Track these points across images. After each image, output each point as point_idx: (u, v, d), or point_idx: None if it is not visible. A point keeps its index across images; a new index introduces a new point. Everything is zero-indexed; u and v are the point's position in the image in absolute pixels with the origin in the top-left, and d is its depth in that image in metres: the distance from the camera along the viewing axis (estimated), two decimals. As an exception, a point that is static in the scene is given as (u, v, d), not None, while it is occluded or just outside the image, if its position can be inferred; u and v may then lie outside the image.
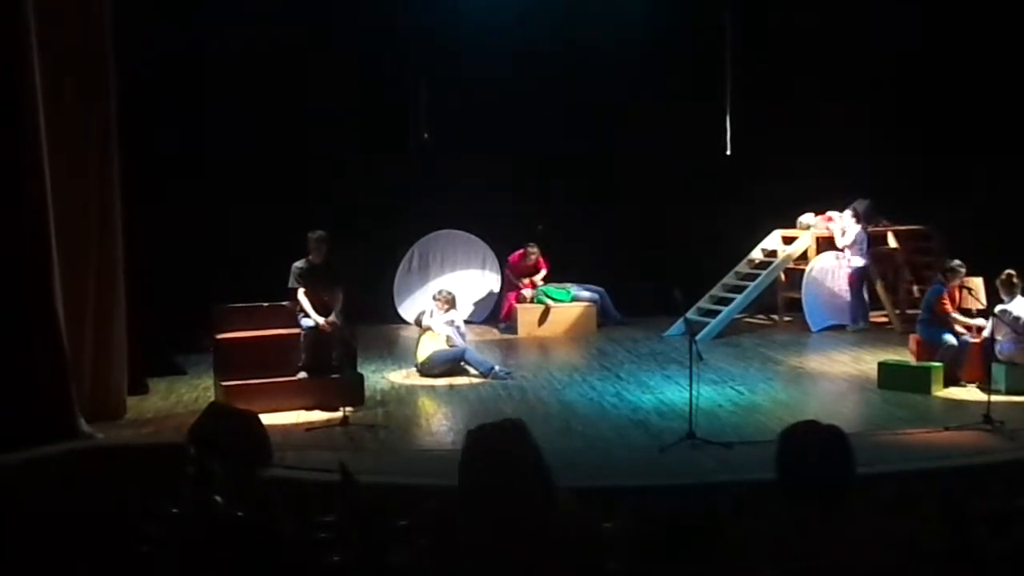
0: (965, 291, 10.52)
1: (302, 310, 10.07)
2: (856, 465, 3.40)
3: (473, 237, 15.19)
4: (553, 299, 14.34)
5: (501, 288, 15.07)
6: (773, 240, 14.84)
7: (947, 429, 8.64)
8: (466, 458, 3.32)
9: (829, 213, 14.48)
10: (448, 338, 11.49)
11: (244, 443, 4.04)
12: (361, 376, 10.32)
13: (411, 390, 10.82)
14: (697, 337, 9.45)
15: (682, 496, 6.97)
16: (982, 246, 11.83)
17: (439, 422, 9.76)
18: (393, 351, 12.89)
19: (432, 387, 10.94)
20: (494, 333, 14.39)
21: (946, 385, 10.17)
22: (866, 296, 14.11)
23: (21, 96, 8.16)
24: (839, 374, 11.28)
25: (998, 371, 9.74)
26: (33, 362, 8.24)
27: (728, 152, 14.85)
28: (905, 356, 11.09)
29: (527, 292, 14.32)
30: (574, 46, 14.61)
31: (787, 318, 14.56)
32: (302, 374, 9.94)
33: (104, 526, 4.52)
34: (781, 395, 10.29)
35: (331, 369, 9.85)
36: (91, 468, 7.78)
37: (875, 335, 13.53)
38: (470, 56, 14.31)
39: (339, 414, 9.19)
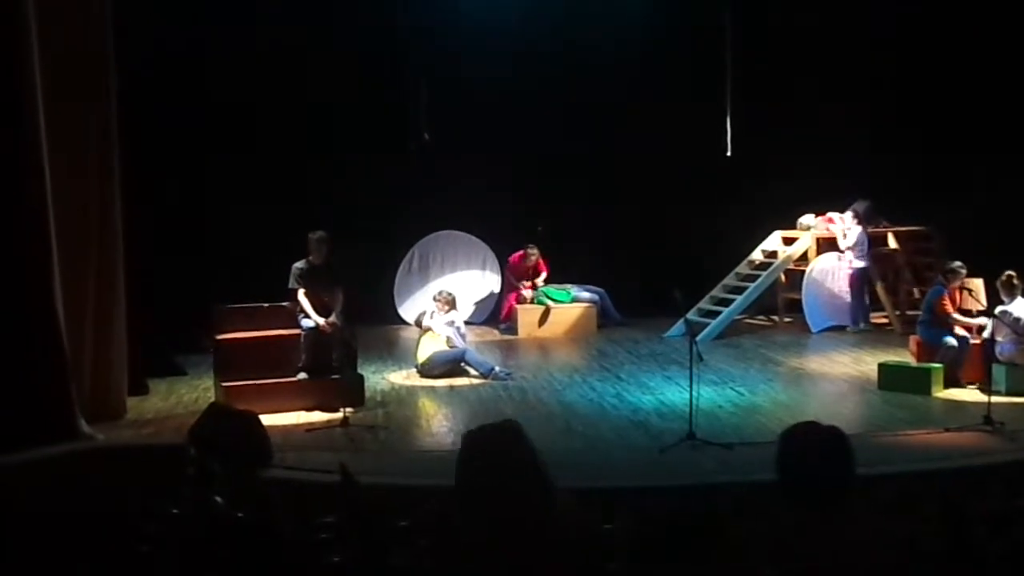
0: (965, 292, 10.52)
1: (302, 311, 10.06)
2: (856, 466, 3.40)
3: (473, 238, 15.19)
4: (553, 300, 14.34)
5: (501, 289, 15.06)
6: (773, 241, 14.84)
7: (947, 430, 8.63)
8: (463, 459, 3.32)
9: (829, 214, 14.49)
10: (448, 339, 11.48)
11: (244, 444, 4.04)
12: (361, 377, 10.31)
13: (411, 391, 10.82)
14: (697, 338, 9.44)
15: (682, 497, 6.96)
16: (982, 246, 11.83)
17: (439, 423, 9.75)
18: (393, 352, 12.88)
19: (432, 388, 10.93)
20: (494, 334, 14.38)
21: (946, 386, 10.17)
22: (866, 297, 14.11)
23: (21, 96, 8.15)
24: (839, 375, 11.28)
25: (998, 372, 9.74)
26: (33, 362, 8.23)
27: (728, 153, 14.85)
28: (905, 357, 11.08)
29: (527, 293, 14.31)
30: (574, 46, 14.61)
31: (787, 319, 14.56)
32: (302, 375, 9.94)
33: (104, 526, 4.52)
34: (781, 396, 10.29)
35: (331, 370, 9.84)
36: (91, 469, 7.78)
37: (875, 336, 13.53)
38: (470, 56, 14.31)
39: (339, 415, 9.18)
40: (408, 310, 14.63)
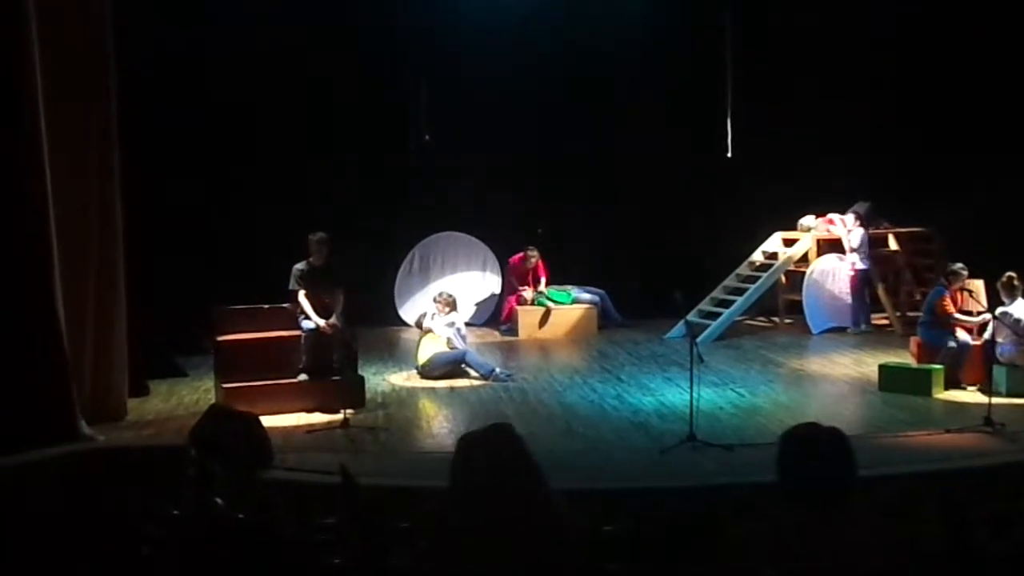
0: (966, 293, 10.51)
1: (303, 312, 10.06)
2: (857, 467, 3.40)
3: (474, 239, 15.19)
4: (554, 301, 14.33)
5: (502, 290, 15.06)
6: (774, 242, 14.84)
7: (948, 431, 8.63)
8: (457, 460, 3.32)
9: (830, 215, 14.49)
10: (449, 340, 11.48)
11: (245, 445, 4.03)
12: (362, 378, 10.31)
13: (412, 392, 10.81)
14: (698, 339, 9.43)
15: (683, 498, 6.96)
16: (982, 247, 11.83)
17: (440, 424, 9.75)
18: (394, 353, 12.88)
19: (433, 389, 10.93)
20: (495, 335, 14.38)
21: (947, 387, 10.17)
22: (867, 299, 14.11)
23: (21, 96, 8.16)
24: (840, 376, 11.28)
25: (999, 373, 9.73)
26: (33, 362, 8.23)
27: (728, 153, 14.85)
28: (906, 358, 11.08)
29: (527, 294, 14.31)
30: (574, 46, 14.61)
31: (788, 320, 14.56)
32: (303, 376, 9.93)
33: (105, 528, 4.52)
34: (782, 397, 10.28)
35: (332, 371, 9.83)
36: (92, 470, 7.78)
37: (876, 337, 13.53)
38: (470, 56, 14.31)
39: (340, 416, 9.18)
40: (408, 311, 14.63)
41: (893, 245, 14.39)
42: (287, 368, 9.92)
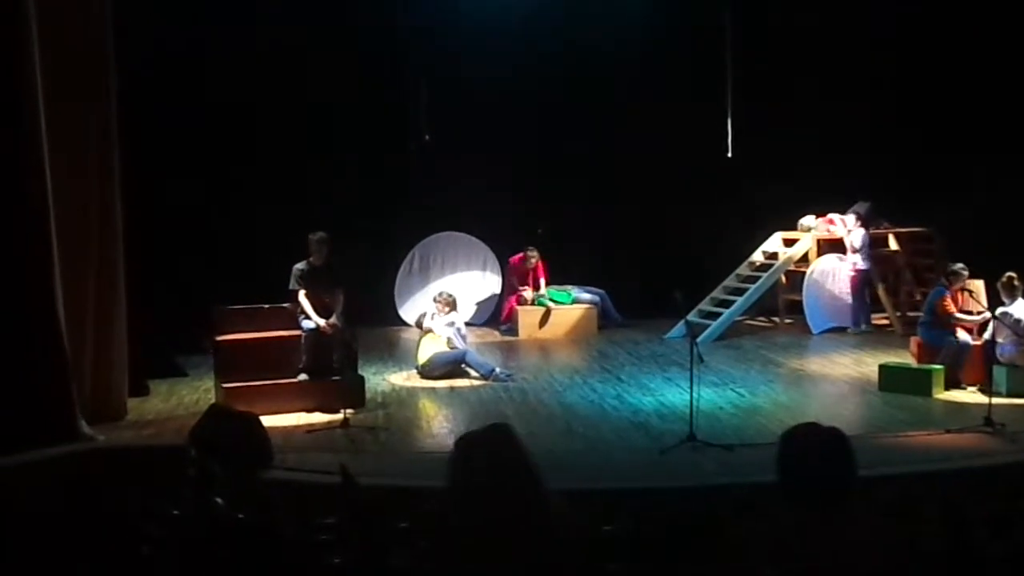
0: (967, 293, 10.51)
1: (303, 312, 10.06)
2: (857, 467, 3.40)
3: (474, 239, 15.19)
4: (554, 301, 14.33)
5: (502, 290, 15.06)
6: (774, 242, 14.85)
7: (948, 432, 8.63)
8: (455, 460, 3.32)
9: (830, 215, 14.49)
10: (449, 340, 11.48)
11: (245, 445, 4.03)
12: (362, 378, 10.31)
13: (412, 392, 10.81)
14: (698, 339, 9.43)
15: (683, 498, 6.96)
16: (982, 247, 11.83)
17: (440, 424, 9.75)
18: (394, 353, 12.88)
19: (433, 389, 10.93)
20: (495, 335, 14.38)
21: (947, 387, 10.17)
22: (867, 299, 14.11)
23: (21, 96, 8.16)
24: (840, 376, 11.28)
25: (999, 374, 9.73)
26: (33, 362, 8.23)
27: (728, 153, 14.85)
28: (906, 358, 11.08)
29: (527, 294, 14.31)
30: (574, 46, 14.61)
31: (788, 320, 14.56)
32: (303, 376, 9.93)
33: (105, 527, 4.52)
34: (782, 397, 10.28)
35: (332, 371, 9.83)
36: (92, 470, 7.78)
37: (876, 337, 13.53)
38: (470, 56, 14.31)
39: (340, 416, 9.18)
40: (409, 311, 14.63)
41: (893, 245, 14.40)
42: (287, 368, 9.92)
